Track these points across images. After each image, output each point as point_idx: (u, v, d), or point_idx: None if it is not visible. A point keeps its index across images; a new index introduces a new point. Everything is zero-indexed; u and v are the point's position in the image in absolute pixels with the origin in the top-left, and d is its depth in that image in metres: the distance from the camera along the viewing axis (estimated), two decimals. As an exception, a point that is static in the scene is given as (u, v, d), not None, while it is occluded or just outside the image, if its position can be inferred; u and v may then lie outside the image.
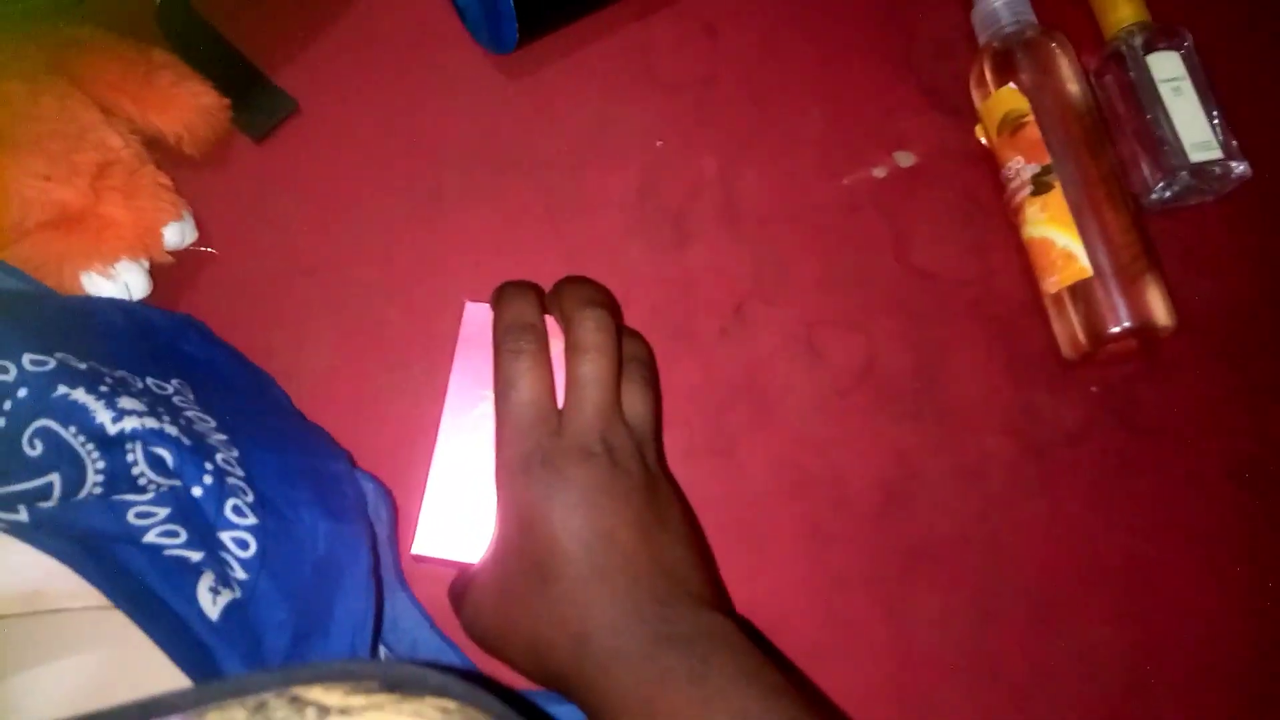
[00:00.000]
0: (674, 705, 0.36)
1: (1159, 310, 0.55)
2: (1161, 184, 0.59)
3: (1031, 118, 0.56)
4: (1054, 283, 0.56)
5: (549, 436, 0.41)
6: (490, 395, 0.45)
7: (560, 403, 0.43)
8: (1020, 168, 0.56)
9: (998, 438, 0.56)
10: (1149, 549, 0.55)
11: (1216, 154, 0.58)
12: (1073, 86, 0.57)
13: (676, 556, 0.41)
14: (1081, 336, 0.55)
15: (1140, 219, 0.57)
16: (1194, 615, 0.54)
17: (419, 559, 0.46)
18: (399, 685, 0.25)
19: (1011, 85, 0.57)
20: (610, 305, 0.45)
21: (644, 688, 0.37)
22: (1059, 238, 0.55)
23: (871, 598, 0.53)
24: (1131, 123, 0.60)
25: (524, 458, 0.41)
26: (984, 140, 0.60)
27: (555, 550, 0.39)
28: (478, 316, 0.49)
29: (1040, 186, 0.56)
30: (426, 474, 0.47)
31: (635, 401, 0.44)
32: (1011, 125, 0.57)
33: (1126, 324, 0.54)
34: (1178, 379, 0.58)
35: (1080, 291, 0.55)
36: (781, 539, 0.53)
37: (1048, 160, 0.55)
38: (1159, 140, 0.58)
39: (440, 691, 0.25)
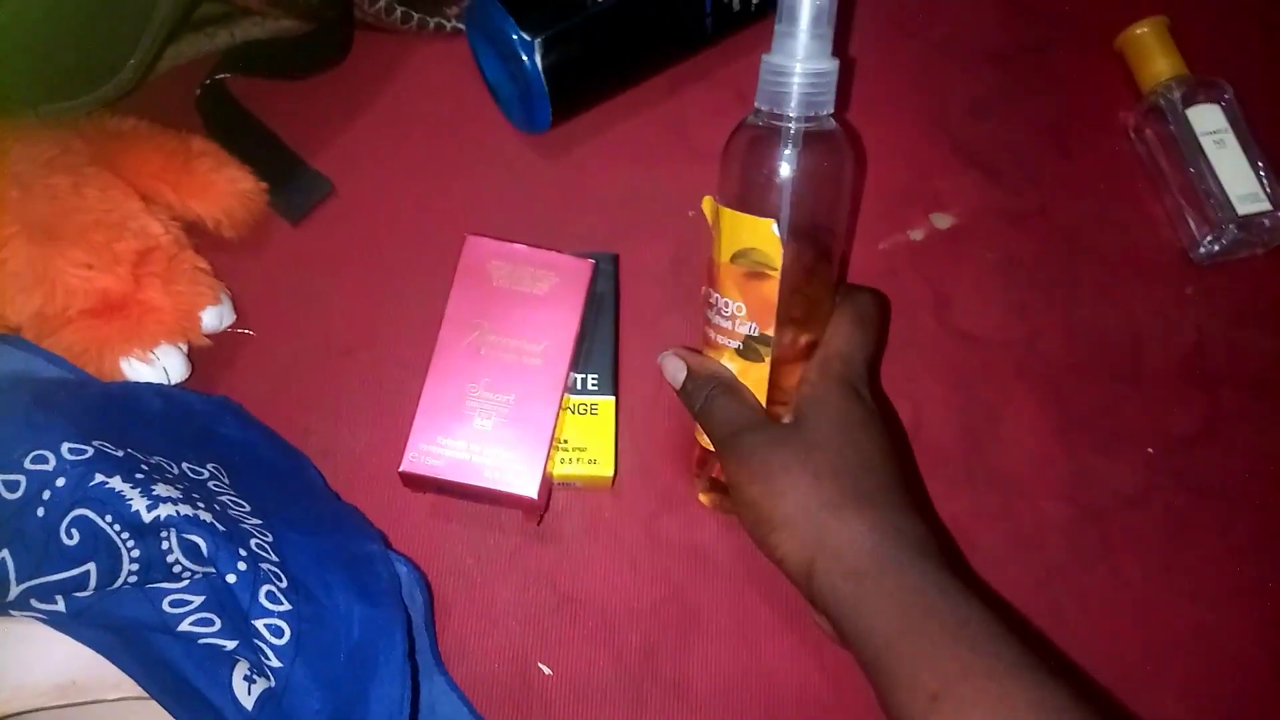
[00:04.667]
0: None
1: None
2: (1209, 238, 0.57)
3: (777, 278, 0.43)
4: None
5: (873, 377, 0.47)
6: (483, 324, 0.48)
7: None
8: (738, 315, 0.45)
9: (1053, 503, 0.54)
10: (1217, 617, 0.53)
11: (1264, 205, 0.57)
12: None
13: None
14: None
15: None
16: (1269, 686, 0.51)
17: (406, 476, 0.46)
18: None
19: (774, 225, 0.42)
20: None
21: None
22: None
23: (927, 674, 0.50)
24: (1175, 177, 0.59)
25: (860, 382, 0.45)
26: (706, 214, 0.47)
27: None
28: (477, 249, 0.50)
29: (750, 353, 0.45)
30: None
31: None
32: (751, 264, 0.44)
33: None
34: (1237, 437, 0.56)
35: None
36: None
37: (771, 331, 0.44)
38: (1204, 194, 0.57)
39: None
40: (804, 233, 0.45)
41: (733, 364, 0.46)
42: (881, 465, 0.43)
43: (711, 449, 0.46)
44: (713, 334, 0.46)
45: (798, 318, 0.46)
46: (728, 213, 0.44)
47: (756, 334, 0.45)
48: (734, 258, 0.44)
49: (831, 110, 0.44)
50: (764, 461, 0.43)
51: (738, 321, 0.45)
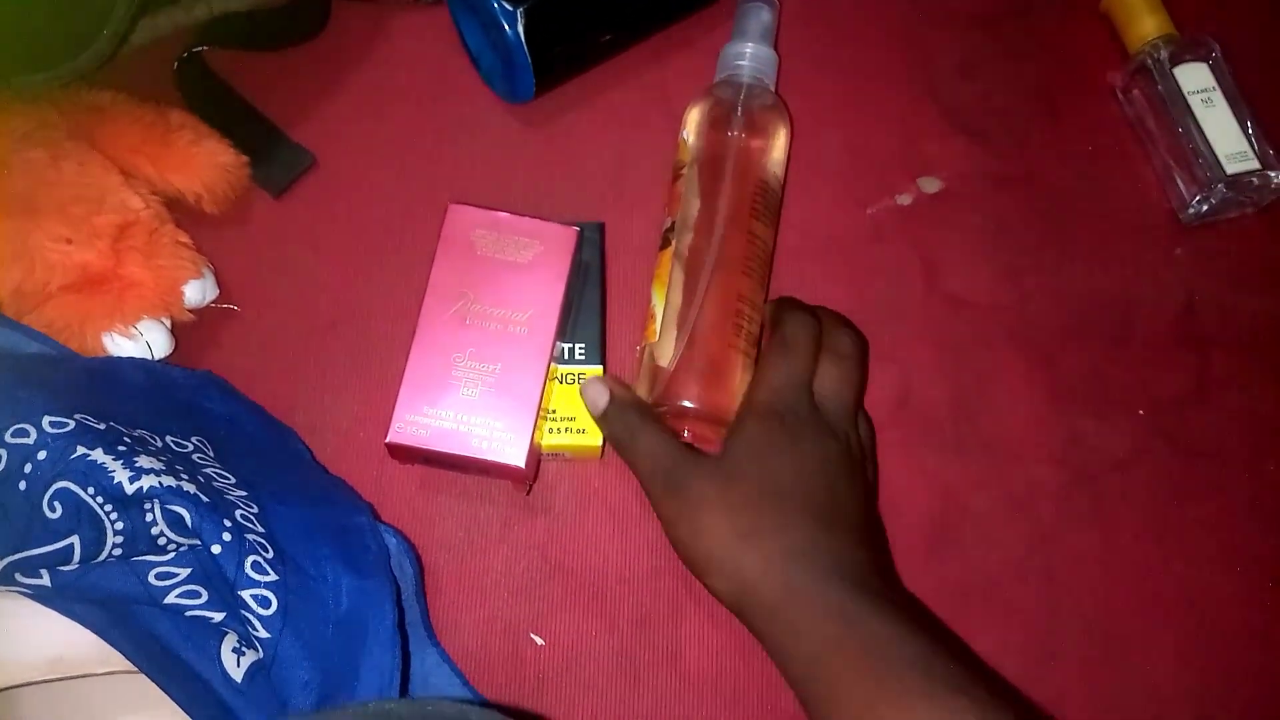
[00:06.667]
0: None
1: (711, 411, 0.48)
2: (1198, 198, 0.57)
3: (684, 172, 0.52)
4: (642, 337, 0.51)
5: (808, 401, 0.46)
6: (468, 294, 0.47)
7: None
8: (665, 223, 0.52)
9: (1045, 467, 0.54)
10: (1209, 578, 0.53)
11: (1253, 164, 0.56)
12: (764, 171, 0.52)
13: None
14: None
15: (760, 334, 0.51)
16: (1261, 647, 0.52)
17: (393, 447, 0.46)
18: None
19: (684, 136, 0.53)
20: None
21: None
22: (654, 294, 0.51)
23: (921, 639, 0.50)
24: (1163, 137, 0.59)
25: (785, 408, 0.45)
26: None
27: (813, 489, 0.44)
28: (460, 218, 0.49)
29: (664, 241, 0.51)
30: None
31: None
32: (673, 173, 0.53)
33: (660, 403, 0.48)
34: (1228, 399, 0.56)
35: (646, 353, 0.50)
36: (823, 580, 0.51)
37: (674, 217, 0.51)
38: (1193, 153, 0.57)
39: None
40: (748, 182, 0.51)
41: (659, 257, 0.51)
42: (798, 490, 0.43)
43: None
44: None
45: (733, 257, 0.49)
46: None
47: (670, 225, 0.51)
48: (674, 183, 0.53)
49: (771, 85, 0.55)
50: (685, 498, 0.44)
51: (664, 228, 0.52)
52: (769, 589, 0.41)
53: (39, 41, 0.48)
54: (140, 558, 0.37)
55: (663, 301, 0.50)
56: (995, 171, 0.59)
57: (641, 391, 0.49)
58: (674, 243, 0.51)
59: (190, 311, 0.51)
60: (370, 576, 0.41)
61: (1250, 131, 0.57)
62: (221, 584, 0.38)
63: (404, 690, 0.42)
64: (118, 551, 0.38)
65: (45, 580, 0.37)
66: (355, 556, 0.42)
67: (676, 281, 0.50)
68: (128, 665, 0.35)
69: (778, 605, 0.41)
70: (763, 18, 0.56)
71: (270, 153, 0.55)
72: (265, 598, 0.38)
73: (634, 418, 0.47)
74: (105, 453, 0.38)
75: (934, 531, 0.52)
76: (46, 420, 0.39)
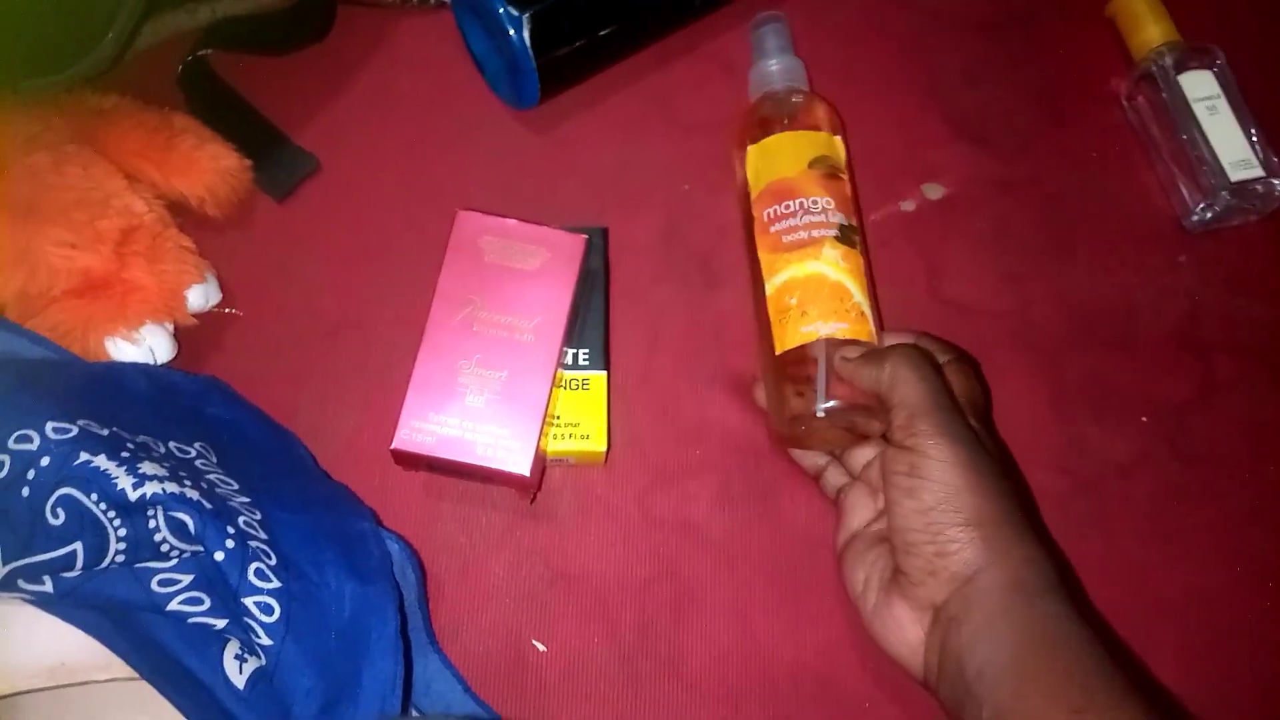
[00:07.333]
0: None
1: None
2: (1202, 205, 0.57)
3: (847, 177, 0.52)
4: (834, 329, 0.48)
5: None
6: (475, 300, 0.47)
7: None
8: (829, 208, 0.50)
9: (1047, 473, 0.54)
10: (1212, 582, 0.53)
11: (1257, 172, 0.56)
12: None
13: None
14: (838, 392, 0.47)
15: None
16: (1264, 651, 0.52)
17: (398, 454, 0.46)
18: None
19: (839, 137, 0.53)
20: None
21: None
22: (856, 292, 0.49)
23: (923, 645, 0.50)
24: (1167, 144, 0.59)
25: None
26: (739, 169, 0.54)
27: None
28: (468, 224, 0.49)
29: (847, 239, 0.50)
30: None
31: None
32: (827, 167, 0.51)
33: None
34: (1230, 405, 0.56)
35: (845, 355, 0.47)
36: (826, 588, 0.51)
37: (854, 221, 0.51)
38: (1197, 160, 0.57)
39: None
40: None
41: (834, 250, 0.49)
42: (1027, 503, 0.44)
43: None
44: (804, 233, 0.50)
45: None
46: (793, 134, 0.52)
47: (848, 223, 0.50)
48: (811, 164, 0.51)
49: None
50: (977, 454, 0.43)
51: (830, 214, 0.50)
52: (1028, 577, 0.41)
53: (43, 46, 0.48)
54: (143, 564, 0.37)
55: (867, 298, 0.49)
56: (999, 178, 0.59)
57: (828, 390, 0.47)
58: (859, 247, 0.50)
59: (193, 316, 0.51)
60: (373, 583, 0.41)
61: (1254, 139, 0.57)
62: (224, 591, 0.38)
63: (406, 697, 0.42)
64: (120, 558, 0.38)
65: (48, 586, 0.37)
66: (358, 563, 0.41)
67: (867, 281, 0.50)
68: (130, 672, 0.36)
69: (1032, 593, 0.41)
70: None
71: (274, 156, 0.55)
72: (268, 605, 0.38)
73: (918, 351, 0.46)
74: (108, 459, 0.38)
75: (937, 538, 0.52)
76: (50, 426, 0.39)
